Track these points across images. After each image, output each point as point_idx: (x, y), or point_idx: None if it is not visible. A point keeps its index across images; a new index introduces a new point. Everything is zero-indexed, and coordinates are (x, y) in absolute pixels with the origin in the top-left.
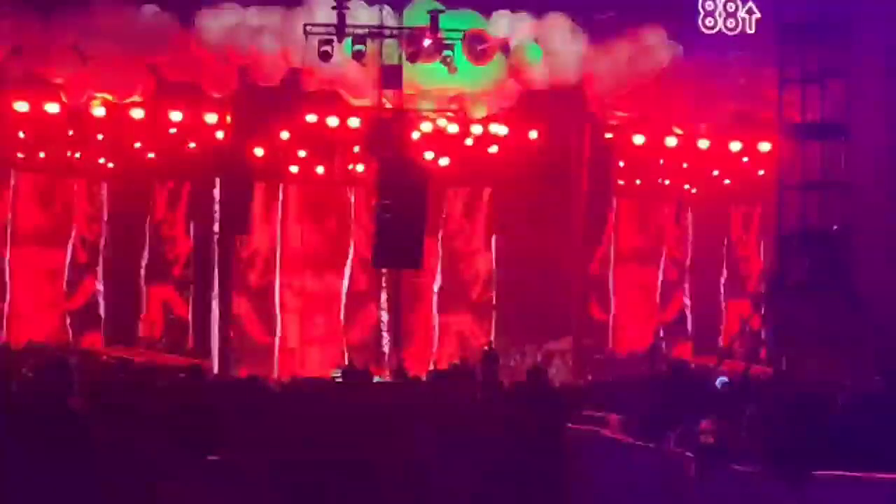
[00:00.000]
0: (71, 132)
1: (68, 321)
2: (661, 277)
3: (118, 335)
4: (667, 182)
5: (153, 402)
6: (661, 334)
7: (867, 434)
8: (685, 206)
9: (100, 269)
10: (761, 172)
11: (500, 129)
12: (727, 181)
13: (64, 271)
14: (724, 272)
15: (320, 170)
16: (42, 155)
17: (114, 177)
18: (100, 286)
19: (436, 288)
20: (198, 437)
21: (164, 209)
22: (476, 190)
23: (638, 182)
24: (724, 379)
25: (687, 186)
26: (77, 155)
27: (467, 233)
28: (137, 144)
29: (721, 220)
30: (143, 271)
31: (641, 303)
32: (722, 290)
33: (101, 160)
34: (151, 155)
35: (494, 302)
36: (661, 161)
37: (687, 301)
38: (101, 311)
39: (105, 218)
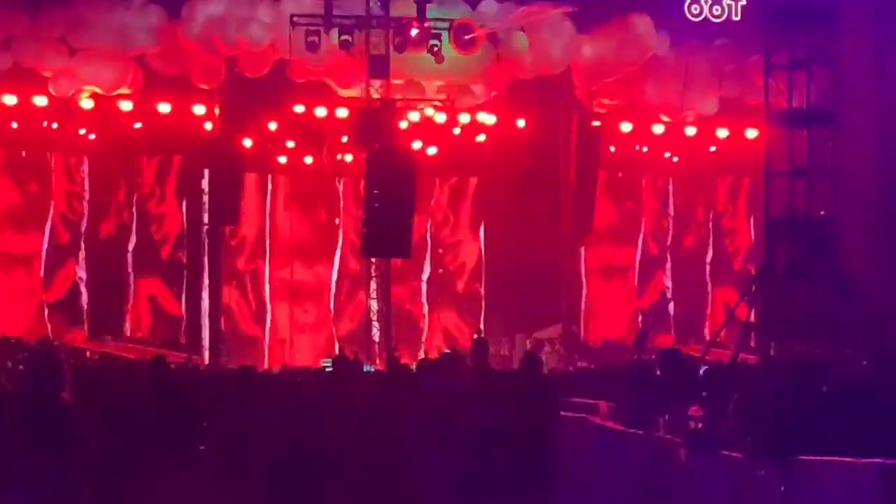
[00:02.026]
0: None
1: (46, 313)
2: (639, 257)
3: (103, 330)
4: (644, 149)
5: (141, 393)
6: (643, 323)
7: (854, 418)
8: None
9: (81, 254)
10: (754, 134)
11: (487, 118)
12: (713, 148)
13: (41, 257)
14: (710, 250)
15: (309, 160)
16: (14, 125)
17: (96, 151)
18: (82, 273)
19: (424, 277)
20: (187, 428)
21: (151, 182)
22: (464, 179)
23: (612, 149)
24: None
25: (668, 154)
26: (55, 125)
27: (456, 222)
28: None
29: (706, 191)
30: (129, 256)
31: (616, 286)
32: (707, 270)
33: (82, 131)
34: (138, 125)
35: (483, 290)
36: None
37: (668, 284)
38: (84, 301)
39: (87, 196)
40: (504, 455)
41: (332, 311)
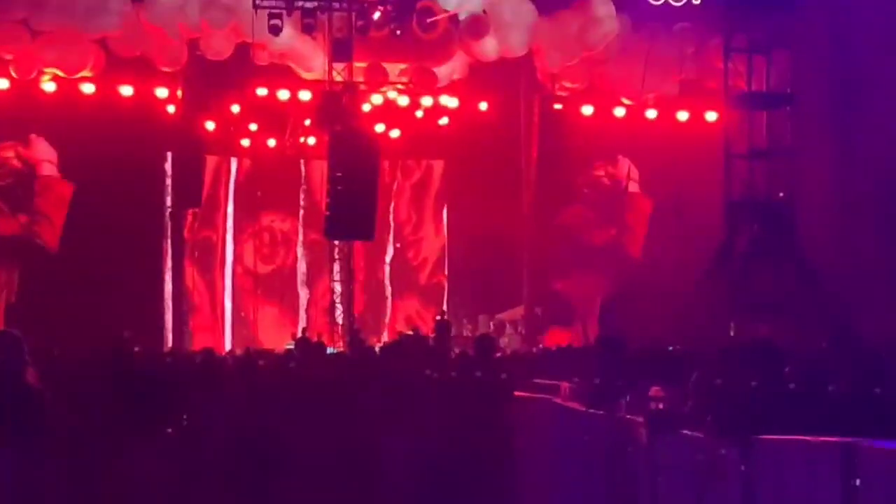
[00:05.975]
0: None
1: None
2: None
3: None
4: None
5: (105, 375)
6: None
7: (814, 398)
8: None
9: None
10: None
11: (450, 101)
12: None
13: None
14: None
15: (272, 143)
16: None
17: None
18: None
19: (388, 259)
20: (151, 410)
21: None
22: (427, 162)
23: None
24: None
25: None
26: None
27: (419, 204)
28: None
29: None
30: None
31: None
32: None
33: None
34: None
35: (447, 272)
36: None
37: None
38: None
39: None
40: (462, 436)
41: (296, 294)
